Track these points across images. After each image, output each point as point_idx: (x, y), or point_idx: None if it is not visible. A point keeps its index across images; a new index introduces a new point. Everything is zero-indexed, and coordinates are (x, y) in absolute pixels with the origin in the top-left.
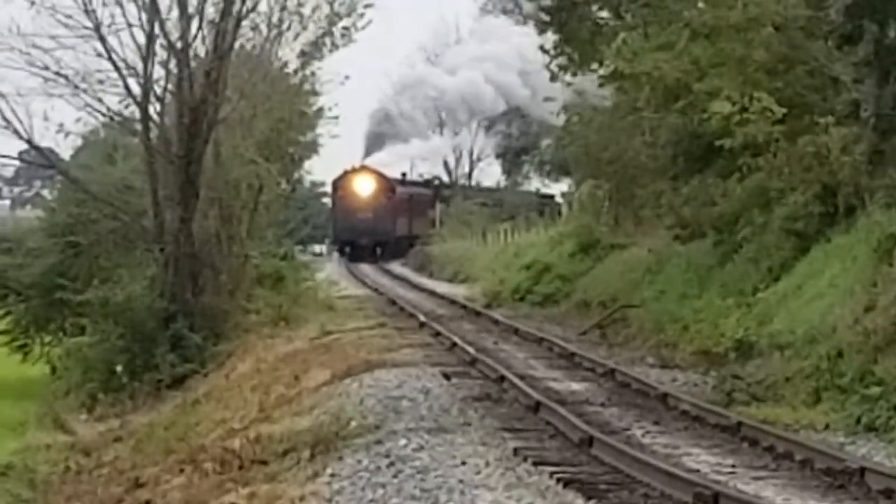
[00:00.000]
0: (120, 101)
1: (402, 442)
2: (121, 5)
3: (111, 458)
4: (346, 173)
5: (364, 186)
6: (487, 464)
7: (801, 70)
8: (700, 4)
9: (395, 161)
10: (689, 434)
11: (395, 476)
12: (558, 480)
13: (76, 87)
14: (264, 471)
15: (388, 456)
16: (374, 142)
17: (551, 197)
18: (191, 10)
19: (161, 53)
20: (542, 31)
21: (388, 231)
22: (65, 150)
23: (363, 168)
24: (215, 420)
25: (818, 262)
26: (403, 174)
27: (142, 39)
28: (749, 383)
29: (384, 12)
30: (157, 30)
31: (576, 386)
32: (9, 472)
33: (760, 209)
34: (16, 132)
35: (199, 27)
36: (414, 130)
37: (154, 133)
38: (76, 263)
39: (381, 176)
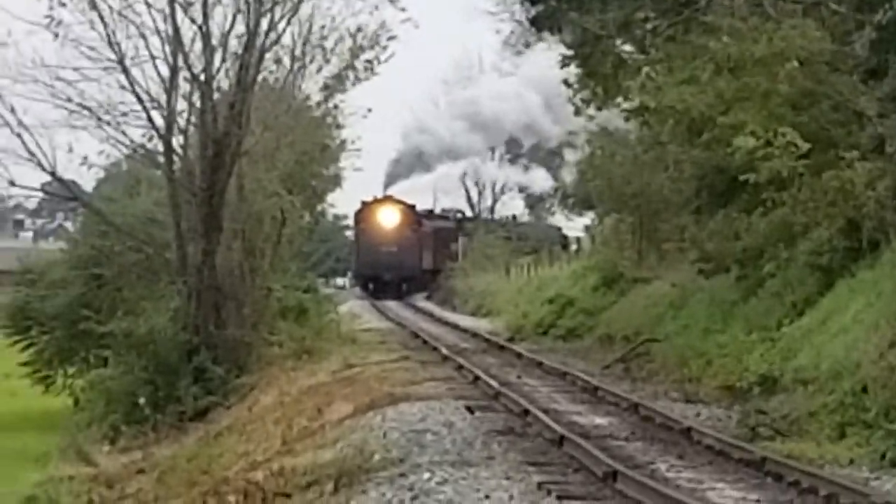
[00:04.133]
0: (143, 134)
1: (426, 475)
2: (144, 38)
3: (134, 490)
4: (369, 203)
5: (389, 218)
6: (511, 497)
7: (826, 104)
8: (724, 38)
9: (417, 192)
10: (713, 468)
11: None
12: None
13: (99, 119)
14: (288, 503)
15: (411, 489)
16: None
17: (559, 229)
18: (214, 42)
19: (184, 86)
20: (564, 65)
21: (413, 265)
22: (87, 182)
23: (388, 198)
24: (238, 452)
25: (843, 297)
26: (412, 205)
27: (165, 72)
28: (773, 418)
29: (407, 44)
30: (180, 62)
31: (599, 420)
32: (32, 503)
33: (785, 244)
34: (39, 164)
35: (223, 60)
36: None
37: (177, 165)
38: (99, 295)
39: (406, 206)
